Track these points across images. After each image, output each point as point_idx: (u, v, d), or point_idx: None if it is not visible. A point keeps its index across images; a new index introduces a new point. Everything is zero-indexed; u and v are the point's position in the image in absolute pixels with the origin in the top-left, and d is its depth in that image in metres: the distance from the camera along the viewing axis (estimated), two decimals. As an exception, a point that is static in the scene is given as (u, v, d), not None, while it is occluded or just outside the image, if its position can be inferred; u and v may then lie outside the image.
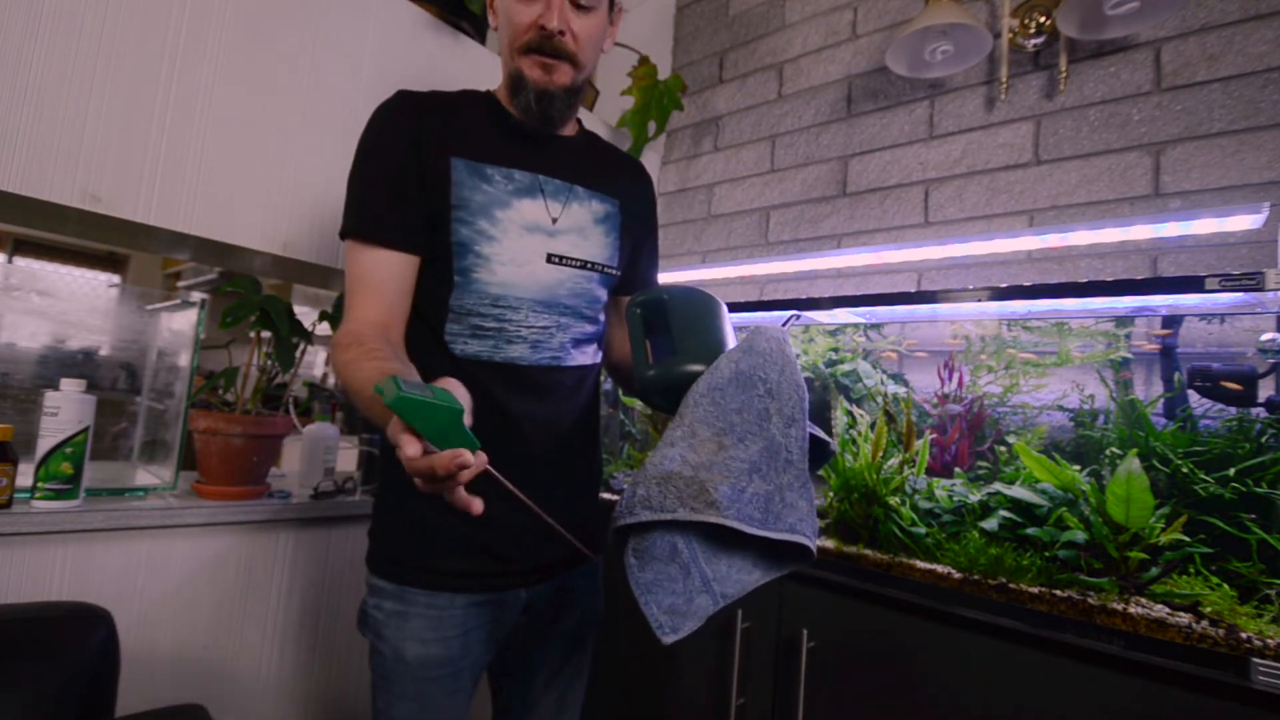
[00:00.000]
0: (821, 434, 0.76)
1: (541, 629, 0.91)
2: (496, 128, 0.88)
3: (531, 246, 0.84)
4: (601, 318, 0.94)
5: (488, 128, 0.88)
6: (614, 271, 0.93)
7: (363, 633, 0.86)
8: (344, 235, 0.82)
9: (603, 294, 0.92)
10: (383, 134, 0.84)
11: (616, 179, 0.95)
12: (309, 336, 1.27)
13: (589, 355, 0.92)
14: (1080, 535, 0.93)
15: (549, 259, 0.85)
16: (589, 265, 0.89)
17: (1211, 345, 1.06)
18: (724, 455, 0.67)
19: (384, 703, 0.82)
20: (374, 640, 0.83)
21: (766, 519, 0.68)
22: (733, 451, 0.68)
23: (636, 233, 0.99)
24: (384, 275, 0.80)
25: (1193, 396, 1.03)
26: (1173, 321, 1.11)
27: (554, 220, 0.86)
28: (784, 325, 0.91)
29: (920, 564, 1.00)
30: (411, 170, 0.82)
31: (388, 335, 0.78)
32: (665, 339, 0.77)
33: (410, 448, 0.53)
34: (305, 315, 1.30)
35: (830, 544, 1.11)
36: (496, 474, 0.59)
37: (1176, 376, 1.07)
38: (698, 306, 0.78)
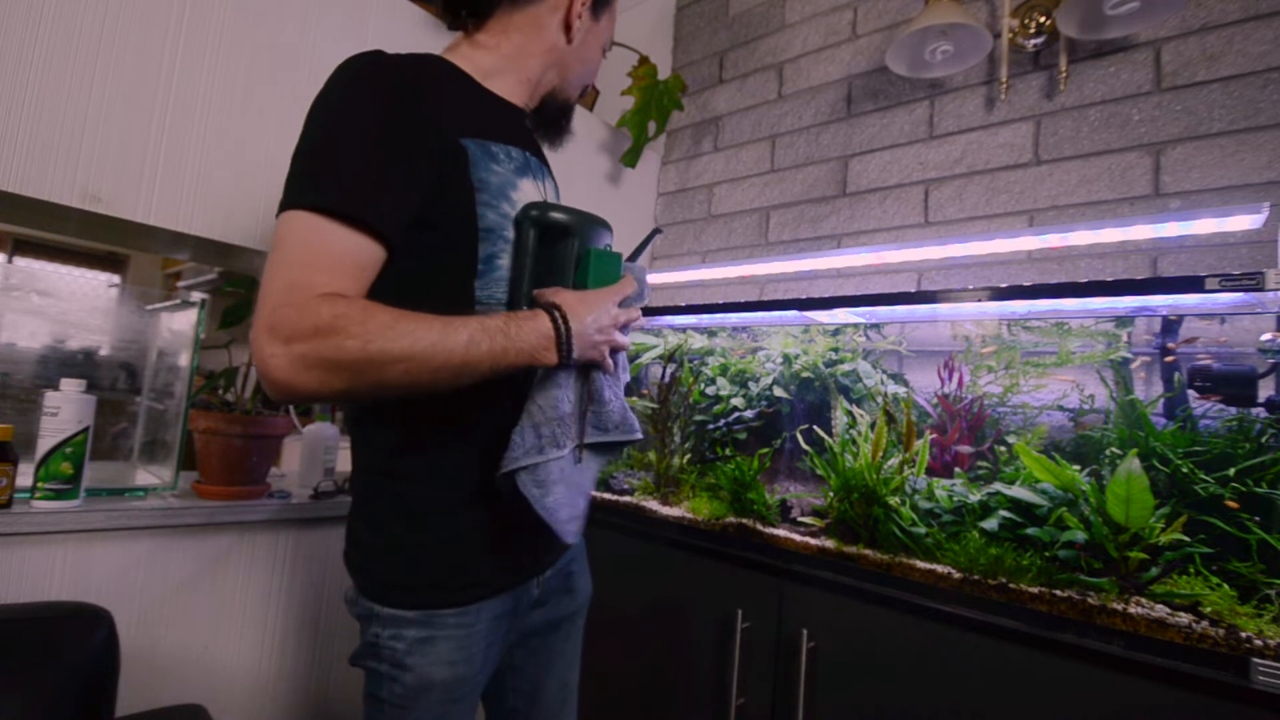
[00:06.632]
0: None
1: (547, 617, 0.90)
2: (480, 100, 0.81)
3: None
4: None
5: (475, 100, 0.80)
6: None
7: (363, 665, 0.77)
8: (312, 206, 0.63)
9: None
10: (394, 101, 0.68)
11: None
12: (309, 336, 1.27)
13: None
14: (1080, 535, 0.93)
15: None
16: None
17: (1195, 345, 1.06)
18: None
19: None
20: (389, 670, 0.74)
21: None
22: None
23: None
24: (363, 261, 0.64)
25: (1192, 396, 1.02)
26: (1173, 324, 1.11)
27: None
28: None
29: (920, 564, 1.00)
30: (425, 153, 0.68)
31: None
32: (550, 260, 0.76)
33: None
34: (305, 315, 1.30)
35: (830, 544, 1.11)
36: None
37: (1176, 376, 1.07)
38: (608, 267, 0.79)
